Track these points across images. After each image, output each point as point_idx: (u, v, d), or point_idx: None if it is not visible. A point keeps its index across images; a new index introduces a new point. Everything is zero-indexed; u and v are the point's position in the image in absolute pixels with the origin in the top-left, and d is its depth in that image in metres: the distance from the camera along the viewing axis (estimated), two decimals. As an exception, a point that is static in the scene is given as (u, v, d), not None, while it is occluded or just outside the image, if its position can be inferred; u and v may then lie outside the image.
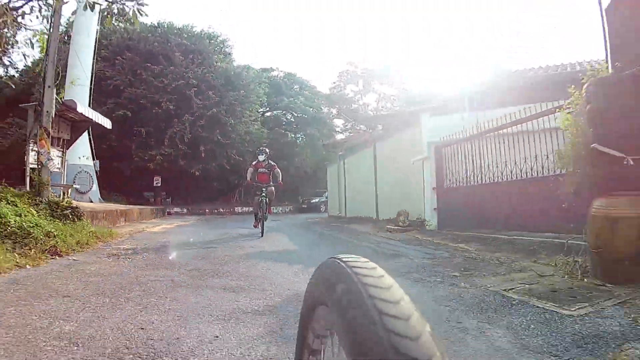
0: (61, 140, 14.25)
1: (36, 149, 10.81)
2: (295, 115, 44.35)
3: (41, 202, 9.56)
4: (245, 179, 14.90)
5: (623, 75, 5.36)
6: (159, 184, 30.99)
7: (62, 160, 14.60)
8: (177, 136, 29.49)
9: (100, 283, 5.23)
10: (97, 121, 14.93)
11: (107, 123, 15.99)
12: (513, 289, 4.82)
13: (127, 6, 12.44)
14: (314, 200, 33.42)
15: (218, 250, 8.90)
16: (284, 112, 45.20)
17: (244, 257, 7.79)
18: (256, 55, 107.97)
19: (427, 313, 3.92)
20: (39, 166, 10.76)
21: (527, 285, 4.97)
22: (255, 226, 13.30)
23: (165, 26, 34.47)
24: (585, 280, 5.03)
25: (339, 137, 40.18)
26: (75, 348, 2.96)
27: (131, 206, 20.60)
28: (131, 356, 2.83)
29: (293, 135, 43.97)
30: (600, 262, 4.94)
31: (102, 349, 2.97)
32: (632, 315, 3.52)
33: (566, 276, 5.33)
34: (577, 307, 3.86)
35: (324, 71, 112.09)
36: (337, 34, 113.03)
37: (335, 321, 0.85)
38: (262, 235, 12.47)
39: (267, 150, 14.59)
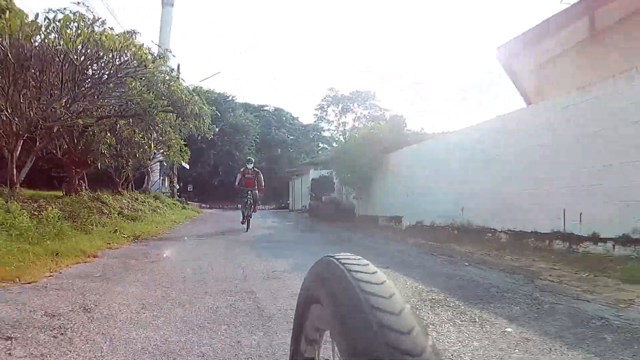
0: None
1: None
2: (280, 141, 65.10)
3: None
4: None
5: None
6: (192, 189, 49.76)
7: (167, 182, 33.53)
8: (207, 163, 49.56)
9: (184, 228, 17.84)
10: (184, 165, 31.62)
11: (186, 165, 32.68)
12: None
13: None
14: (288, 202, 50.50)
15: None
16: (272, 141, 65.15)
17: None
18: (249, 92, 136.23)
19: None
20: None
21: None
22: (242, 223, 16.71)
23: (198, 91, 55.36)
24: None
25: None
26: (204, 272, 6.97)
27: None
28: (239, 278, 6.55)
29: (277, 156, 64.47)
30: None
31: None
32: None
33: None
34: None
35: (308, 99, 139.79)
36: (317, 66, 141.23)
37: (329, 319, 0.92)
38: (247, 230, 16.12)
39: (253, 159, 19.30)
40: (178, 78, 20.12)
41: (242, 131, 55.74)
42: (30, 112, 12.62)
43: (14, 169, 12.99)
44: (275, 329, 4.24)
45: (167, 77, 17.59)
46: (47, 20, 12.14)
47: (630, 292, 5.44)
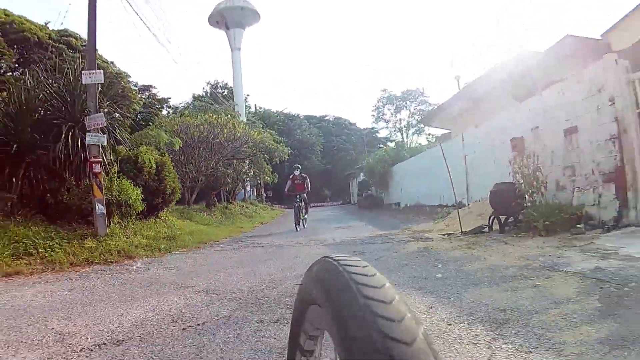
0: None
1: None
2: (340, 147, 77.10)
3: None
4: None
5: None
6: (271, 195, 61.89)
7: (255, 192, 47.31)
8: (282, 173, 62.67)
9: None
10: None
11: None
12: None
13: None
14: (348, 198, 62.86)
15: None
16: (334, 147, 77.16)
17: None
18: (310, 104, 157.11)
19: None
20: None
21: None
22: (296, 226, 19.50)
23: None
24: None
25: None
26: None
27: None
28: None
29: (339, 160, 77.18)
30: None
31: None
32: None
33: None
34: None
35: (364, 103, 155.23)
36: (369, 71, 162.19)
37: (327, 320, 0.96)
38: (297, 230, 18.88)
39: (300, 166, 22.54)
40: (266, 132, 34.83)
41: (308, 144, 68.94)
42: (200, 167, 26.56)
43: (191, 196, 26.68)
44: (358, 256, 15.31)
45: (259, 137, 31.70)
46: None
47: (436, 223, 17.17)
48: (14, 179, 14.41)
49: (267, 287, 7.18)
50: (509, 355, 3.54)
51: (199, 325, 5.17)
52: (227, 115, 31.74)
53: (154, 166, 17.69)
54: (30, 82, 16.69)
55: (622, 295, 4.82)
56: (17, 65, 43.30)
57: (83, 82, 14.02)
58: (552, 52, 16.08)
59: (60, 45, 45.34)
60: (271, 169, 38.32)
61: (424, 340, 0.80)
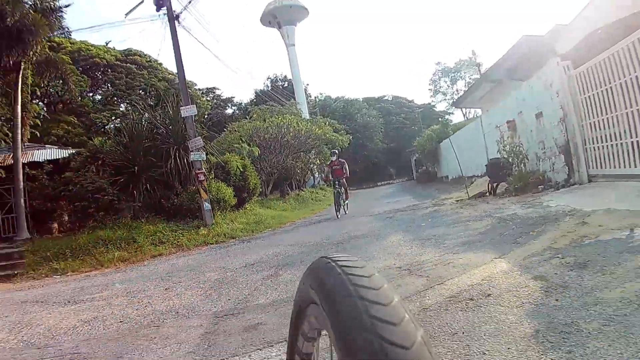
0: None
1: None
2: (400, 125, 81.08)
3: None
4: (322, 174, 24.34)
5: None
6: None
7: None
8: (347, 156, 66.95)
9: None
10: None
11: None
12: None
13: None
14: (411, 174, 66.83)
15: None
16: (394, 126, 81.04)
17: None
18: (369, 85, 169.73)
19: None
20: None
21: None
22: (337, 213, 19.43)
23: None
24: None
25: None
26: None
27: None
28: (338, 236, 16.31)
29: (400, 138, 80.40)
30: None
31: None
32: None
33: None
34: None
35: (420, 78, 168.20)
36: (422, 46, 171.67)
37: (325, 321, 0.97)
38: (338, 217, 18.93)
39: (337, 151, 22.75)
40: (326, 124, 40.78)
41: (369, 126, 73.24)
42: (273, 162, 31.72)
43: (267, 188, 31.89)
44: (387, 220, 15.46)
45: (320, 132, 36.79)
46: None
47: (460, 192, 21.70)
48: (135, 192, 19.91)
49: (325, 241, 12.34)
50: (428, 251, 8.30)
51: (290, 256, 10.59)
52: (291, 115, 37.38)
53: (239, 169, 23.12)
54: (133, 116, 22.98)
55: (503, 224, 9.53)
56: (91, 90, 49.03)
57: (182, 116, 19.44)
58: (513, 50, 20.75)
59: (128, 65, 51.31)
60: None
61: (423, 343, 0.83)
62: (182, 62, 20.74)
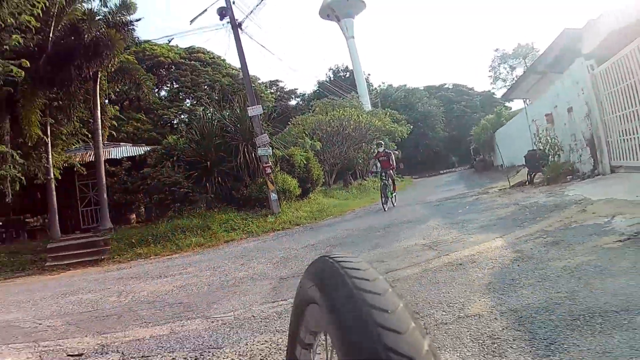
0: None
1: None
2: (461, 112, 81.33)
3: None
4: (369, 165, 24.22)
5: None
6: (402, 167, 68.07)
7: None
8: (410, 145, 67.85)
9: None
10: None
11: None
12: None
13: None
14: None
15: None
16: (454, 115, 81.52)
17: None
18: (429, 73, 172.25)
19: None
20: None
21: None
22: (384, 205, 19.02)
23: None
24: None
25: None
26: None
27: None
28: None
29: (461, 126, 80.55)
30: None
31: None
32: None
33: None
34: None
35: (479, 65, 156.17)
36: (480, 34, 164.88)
37: (326, 320, 0.96)
38: (385, 210, 18.48)
39: (383, 142, 22.70)
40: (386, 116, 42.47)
41: (430, 115, 74.03)
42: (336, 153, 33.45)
43: (331, 178, 33.60)
44: (433, 208, 16.68)
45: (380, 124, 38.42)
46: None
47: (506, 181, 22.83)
48: (208, 185, 22.02)
49: (376, 225, 14.13)
50: (451, 233, 10.07)
51: (344, 238, 12.70)
52: (351, 108, 39.06)
53: (303, 161, 25.09)
54: (204, 116, 25.37)
55: (522, 211, 11.21)
56: (156, 86, 50.98)
57: (249, 115, 21.40)
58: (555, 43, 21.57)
59: (192, 62, 53.33)
60: (395, 146, 44.76)
61: (430, 354, 0.81)
62: (246, 66, 23.05)
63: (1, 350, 6.07)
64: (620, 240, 6.31)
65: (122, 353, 5.39)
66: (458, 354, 3.74)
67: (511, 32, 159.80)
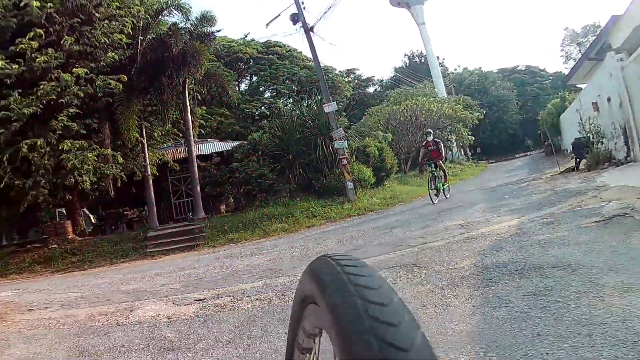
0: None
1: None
2: (534, 96, 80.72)
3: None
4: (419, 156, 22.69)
5: None
6: (480, 151, 69.14)
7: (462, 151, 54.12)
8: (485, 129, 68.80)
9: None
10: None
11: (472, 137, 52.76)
12: None
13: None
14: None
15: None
16: (528, 97, 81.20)
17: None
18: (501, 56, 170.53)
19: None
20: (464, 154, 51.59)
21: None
22: (434, 198, 18.00)
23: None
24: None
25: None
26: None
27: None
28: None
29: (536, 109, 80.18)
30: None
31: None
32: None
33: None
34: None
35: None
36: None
37: (325, 320, 0.95)
38: (435, 203, 17.61)
39: (431, 131, 21.47)
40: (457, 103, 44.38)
41: (504, 98, 74.40)
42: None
43: (406, 166, 35.38)
44: (488, 194, 19.22)
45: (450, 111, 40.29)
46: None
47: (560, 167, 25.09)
48: (290, 176, 24.44)
49: (434, 210, 15.98)
50: (485, 215, 12.36)
51: (404, 221, 14.81)
52: (423, 96, 40.75)
53: (377, 152, 27.33)
54: (283, 112, 27.80)
55: (551, 196, 13.21)
56: (237, 80, 52.93)
57: (325, 112, 23.45)
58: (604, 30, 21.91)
59: (270, 56, 55.06)
60: (469, 132, 46.47)
61: (423, 344, 0.81)
62: (321, 67, 26.04)
63: (141, 304, 9.00)
64: (596, 221, 8.01)
65: (232, 296, 8.40)
66: (440, 284, 6.61)
67: (582, 9, 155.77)
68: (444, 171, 19.05)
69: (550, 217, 9.49)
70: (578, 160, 19.56)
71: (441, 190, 18.53)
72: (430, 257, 8.31)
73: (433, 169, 18.41)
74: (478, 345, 4.27)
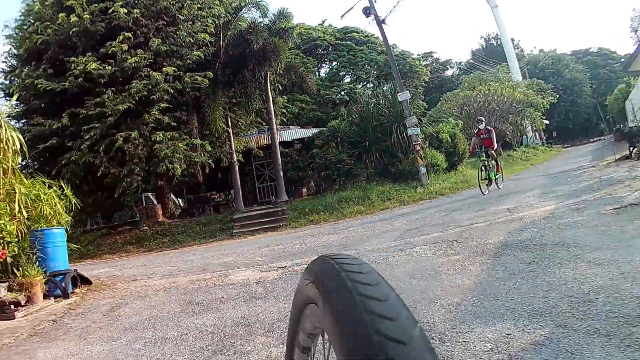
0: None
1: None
2: (606, 79, 79.47)
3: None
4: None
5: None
6: (555, 135, 69.32)
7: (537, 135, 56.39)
8: (556, 114, 68.50)
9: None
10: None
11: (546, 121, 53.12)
12: None
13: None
14: None
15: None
16: (601, 80, 79.96)
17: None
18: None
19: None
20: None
21: None
22: (485, 188, 17.78)
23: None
24: None
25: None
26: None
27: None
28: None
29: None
30: None
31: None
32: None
33: None
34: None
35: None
36: None
37: (324, 320, 0.97)
38: (485, 193, 17.51)
39: (483, 118, 20.62)
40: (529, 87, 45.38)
41: (577, 81, 73.57)
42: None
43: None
44: (547, 179, 21.94)
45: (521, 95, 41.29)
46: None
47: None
48: (367, 161, 26.35)
49: (491, 194, 17.31)
50: (533, 201, 13.89)
51: (464, 205, 16.23)
52: (496, 82, 41.62)
53: (449, 138, 29.03)
54: (362, 100, 29.44)
55: (596, 184, 14.57)
56: (316, 66, 54.28)
57: (399, 100, 24.96)
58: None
59: (347, 42, 56.07)
60: (542, 116, 47.02)
61: (420, 338, 0.83)
62: (393, 57, 27.60)
63: (232, 272, 11.23)
64: (614, 209, 8.86)
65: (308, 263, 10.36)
66: (467, 254, 8.05)
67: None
68: (496, 160, 18.51)
69: (583, 203, 10.40)
70: (632, 148, 20.12)
71: (493, 180, 18.28)
72: (470, 235, 9.67)
73: (485, 158, 17.91)
74: (470, 292, 5.79)
